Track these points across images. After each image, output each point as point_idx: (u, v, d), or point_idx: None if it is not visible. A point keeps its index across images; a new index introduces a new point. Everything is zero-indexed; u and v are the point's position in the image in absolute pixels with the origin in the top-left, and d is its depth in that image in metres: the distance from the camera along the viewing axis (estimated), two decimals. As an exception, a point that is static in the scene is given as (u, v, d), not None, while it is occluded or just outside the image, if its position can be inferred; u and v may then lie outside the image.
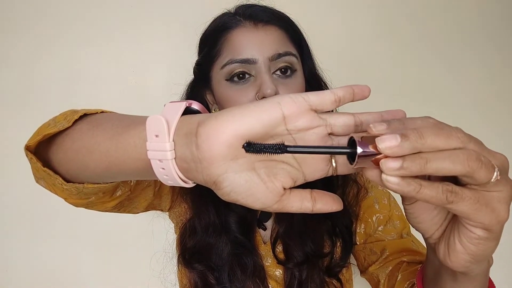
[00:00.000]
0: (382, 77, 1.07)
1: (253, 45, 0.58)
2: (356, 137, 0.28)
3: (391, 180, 0.26)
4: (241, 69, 0.58)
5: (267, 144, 0.28)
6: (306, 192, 0.34)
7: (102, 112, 0.45)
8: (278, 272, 0.65)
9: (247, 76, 0.58)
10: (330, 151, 0.30)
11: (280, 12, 0.63)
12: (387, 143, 0.25)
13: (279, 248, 0.64)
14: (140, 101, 0.96)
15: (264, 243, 0.67)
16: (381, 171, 0.26)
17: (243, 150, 0.29)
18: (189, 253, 0.64)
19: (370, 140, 0.27)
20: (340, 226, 0.64)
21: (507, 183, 0.28)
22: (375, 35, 1.06)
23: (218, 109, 0.65)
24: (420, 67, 1.09)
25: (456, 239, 0.31)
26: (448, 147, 0.26)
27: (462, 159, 0.25)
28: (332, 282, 0.65)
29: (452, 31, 1.11)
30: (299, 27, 0.65)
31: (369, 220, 0.67)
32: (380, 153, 0.27)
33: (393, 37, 1.07)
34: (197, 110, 0.37)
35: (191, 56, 0.69)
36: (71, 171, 0.43)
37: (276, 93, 0.57)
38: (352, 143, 0.29)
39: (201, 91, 0.66)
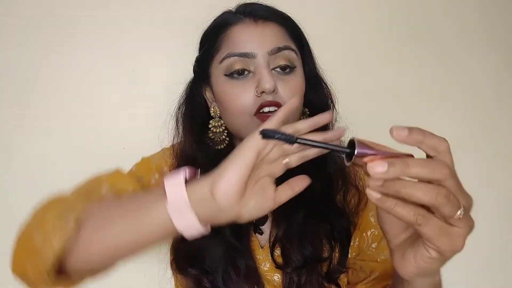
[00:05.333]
0: (384, 77, 1.06)
1: (252, 39, 0.58)
2: (357, 140, 0.32)
3: (373, 194, 0.31)
4: (240, 65, 0.57)
5: (280, 134, 0.35)
6: (285, 185, 0.44)
7: (90, 206, 0.46)
8: (277, 276, 0.63)
9: (246, 72, 0.58)
10: (333, 148, 0.34)
11: (280, 11, 0.63)
12: (376, 169, 0.29)
13: (277, 252, 0.63)
14: (140, 101, 0.96)
15: (262, 248, 0.65)
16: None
17: (246, 188, 0.40)
18: (182, 257, 0.63)
19: (367, 145, 0.32)
20: (338, 229, 0.63)
21: (468, 222, 0.32)
22: (378, 35, 1.06)
23: (217, 107, 0.64)
24: (423, 67, 1.08)
25: (411, 252, 0.36)
26: (430, 179, 0.30)
27: (433, 193, 0.30)
28: (330, 287, 0.64)
29: (455, 29, 1.10)
30: (300, 27, 0.64)
31: (364, 234, 0.66)
32: (373, 156, 0.32)
33: (396, 37, 1.07)
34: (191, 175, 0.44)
35: (192, 56, 0.69)
36: (87, 270, 0.46)
37: (275, 89, 0.56)
38: (352, 145, 0.32)
39: (200, 88, 0.66)
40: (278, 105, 0.57)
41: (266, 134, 0.35)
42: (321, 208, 0.62)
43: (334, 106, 0.69)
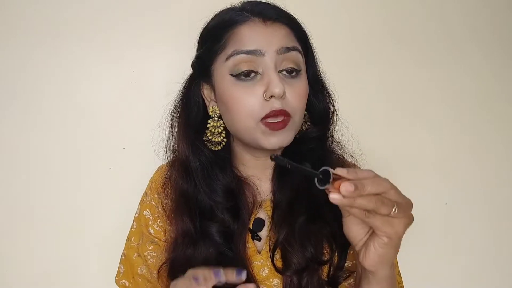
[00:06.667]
0: (387, 79, 1.06)
1: (261, 37, 0.57)
2: (331, 170, 0.42)
3: (338, 199, 0.41)
4: (247, 66, 0.56)
5: (287, 161, 0.44)
6: None
7: None
8: (276, 281, 0.62)
9: (253, 74, 0.57)
10: (311, 174, 0.43)
11: (288, 12, 0.62)
12: (348, 188, 0.40)
13: (277, 256, 0.62)
14: (140, 101, 0.96)
15: (259, 253, 0.64)
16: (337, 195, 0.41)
17: None
18: (175, 264, 0.62)
19: (338, 176, 0.43)
20: (339, 231, 0.62)
21: (405, 215, 0.45)
22: (381, 37, 1.05)
23: (216, 106, 0.63)
24: (426, 68, 1.07)
25: (371, 245, 0.47)
26: (378, 192, 0.43)
27: (372, 201, 0.42)
28: None
29: (456, 30, 1.09)
30: (305, 29, 0.64)
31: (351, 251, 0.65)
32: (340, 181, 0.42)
33: (398, 39, 1.06)
34: None
35: (192, 56, 0.68)
36: None
37: (284, 93, 0.56)
38: (325, 173, 0.42)
39: (198, 86, 0.65)
40: (285, 114, 0.57)
41: (277, 159, 0.44)
42: (322, 211, 0.62)
43: (334, 109, 0.68)
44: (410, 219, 0.46)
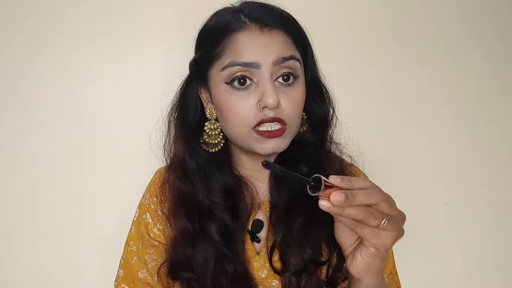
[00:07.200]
0: (387, 79, 1.06)
1: (257, 49, 0.56)
2: (323, 178, 0.42)
3: (326, 207, 0.42)
4: (242, 73, 0.56)
5: (278, 167, 0.44)
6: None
7: None
8: (275, 282, 0.63)
9: (248, 82, 0.56)
10: (303, 181, 0.43)
11: (286, 13, 0.61)
12: (338, 198, 0.40)
13: (275, 257, 0.63)
14: (140, 101, 0.96)
15: (258, 254, 0.65)
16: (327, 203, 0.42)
17: None
18: (175, 263, 0.63)
19: (329, 185, 0.43)
20: None
21: (395, 228, 0.45)
22: (381, 38, 1.04)
23: (213, 109, 0.63)
24: (426, 68, 1.07)
25: (358, 253, 0.48)
26: (370, 203, 0.43)
27: (360, 212, 0.42)
28: None
29: (455, 29, 1.09)
30: (305, 30, 0.63)
31: None
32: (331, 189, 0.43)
33: (398, 38, 1.06)
34: None
35: (192, 56, 0.68)
36: None
37: (278, 104, 0.55)
38: (317, 180, 0.42)
39: (196, 87, 0.65)
40: (279, 121, 0.57)
41: (269, 165, 0.44)
42: (320, 212, 0.62)
43: (334, 111, 0.68)
44: (400, 232, 0.46)
